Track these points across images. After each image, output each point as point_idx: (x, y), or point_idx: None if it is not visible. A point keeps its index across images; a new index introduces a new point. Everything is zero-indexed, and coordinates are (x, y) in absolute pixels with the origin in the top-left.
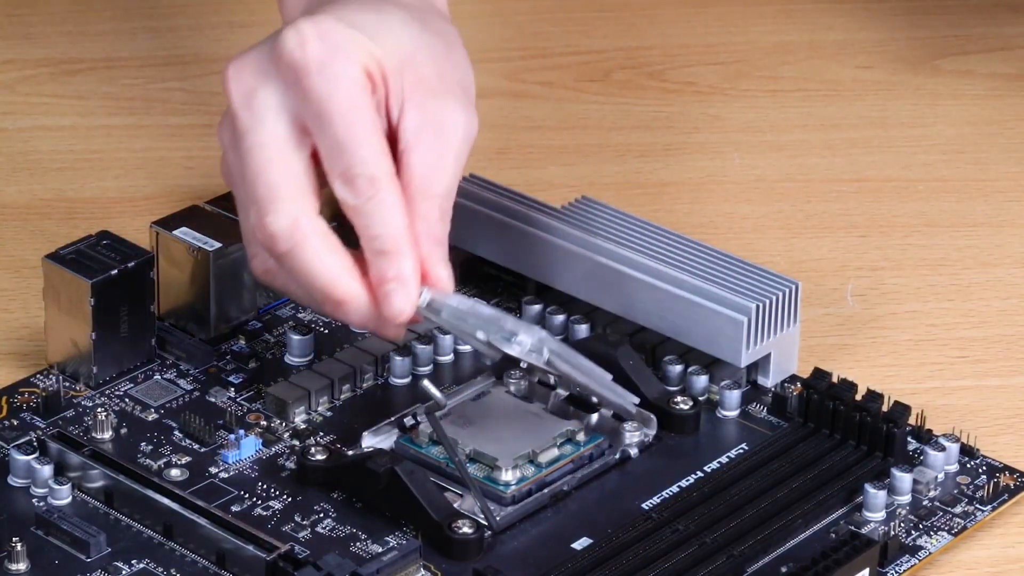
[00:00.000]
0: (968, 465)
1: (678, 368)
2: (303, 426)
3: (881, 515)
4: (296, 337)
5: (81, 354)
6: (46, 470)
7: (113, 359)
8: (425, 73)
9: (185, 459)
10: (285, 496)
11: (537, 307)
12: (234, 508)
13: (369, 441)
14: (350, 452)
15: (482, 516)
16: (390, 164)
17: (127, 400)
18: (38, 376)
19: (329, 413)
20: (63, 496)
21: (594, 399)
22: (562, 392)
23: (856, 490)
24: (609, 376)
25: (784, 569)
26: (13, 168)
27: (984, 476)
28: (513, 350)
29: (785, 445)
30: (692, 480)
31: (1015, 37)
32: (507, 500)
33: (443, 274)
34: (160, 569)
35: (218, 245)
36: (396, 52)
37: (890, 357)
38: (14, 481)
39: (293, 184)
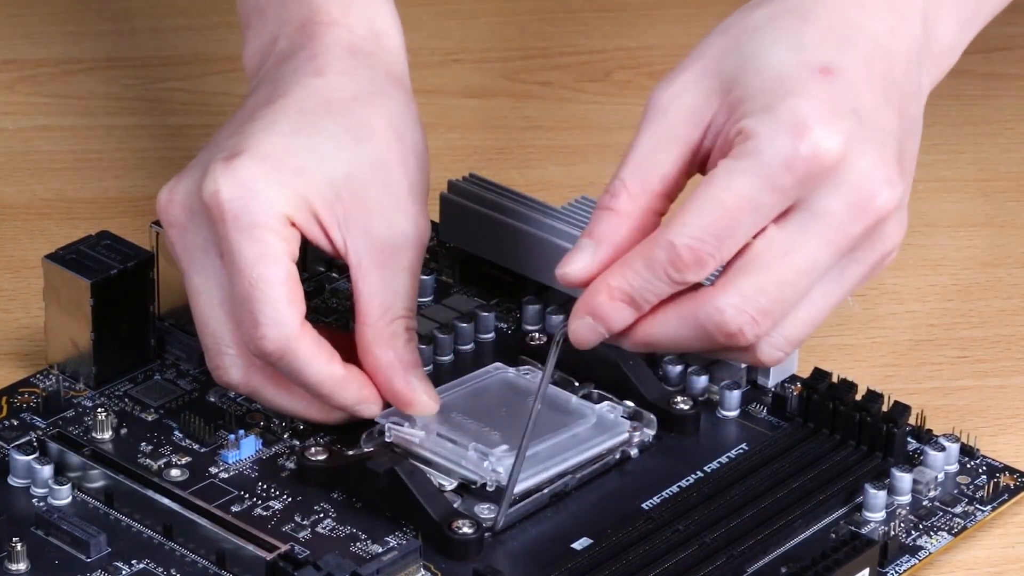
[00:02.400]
0: (968, 465)
1: (678, 368)
2: (303, 426)
3: (881, 515)
4: None
5: (81, 354)
6: (46, 470)
7: (113, 359)
8: (365, 193)
9: (185, 459)
10: (285, 496)
11: (537, 307)
12: (234, 508)
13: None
14: (350, 452)
15: (490, 510)
16: (297, 316)
17: (127, 400)
18: (38, 376)
19: None
20: (63, 496)
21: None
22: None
23: (856, 490)
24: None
25: (784, 569)
26: (13, 168)
27: (984, 476)
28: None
29: (785, 445)
30: (692, 480)
31: (1015, 37)
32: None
33: (424, 399)
34: (160, 569)
35: None
36: (327, 182)
37: (890, 357)
38: (14, 481)
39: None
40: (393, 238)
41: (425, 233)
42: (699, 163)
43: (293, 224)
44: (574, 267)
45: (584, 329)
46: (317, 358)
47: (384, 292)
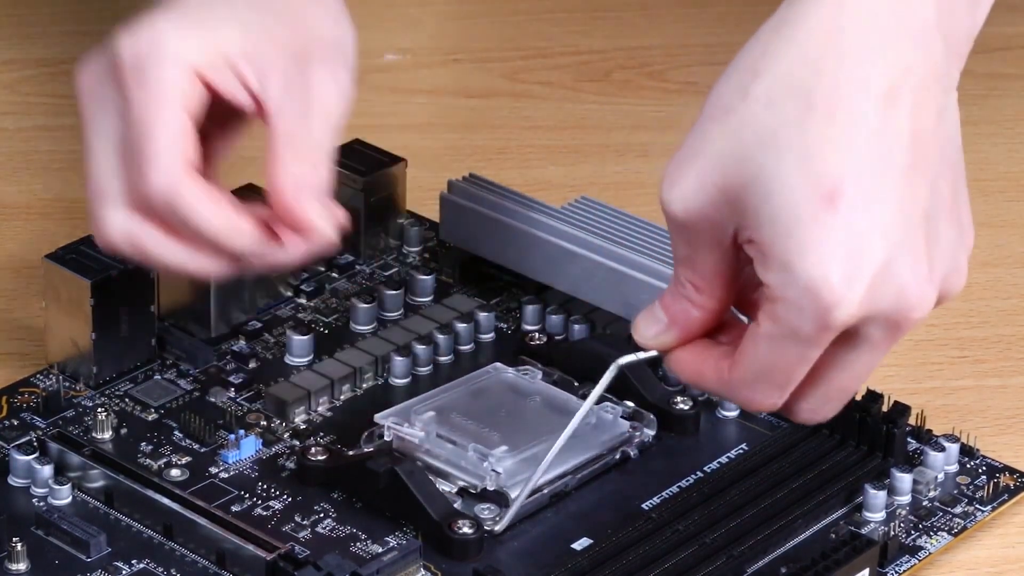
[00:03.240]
0: (968, 465)
1: None
2: (303, 426)
3: (881, 515)
4: (296, 337)
5: (81, 354)
6: (46, 470)
7: (113, 359)
8: (287, 45)
9: (185, 459)
10: (285, 496)
11: (537, 307)
12: (234, 508)
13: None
14: (350, 452)
15: (490, 511)
16: (185, 160)
17: (127, 400)
18: (38, 376)
19: (329, 413)
20: (63, 496)
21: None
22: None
23: (856, 490)
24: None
25: (784, 570)
26: (13, 168)
27: (984, 476)
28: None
29: (785, 445)
30: (692, 480)
31: (1015, 37)
32: (506, 501)
33: (320, 224)
34: (160, 569)
35: None
36: (245, 35)
37: (890, 357)
38: (14, 481)
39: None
40: (310, 83)
41: (346, 89)
42: (737, 248)
43: (205, 80)
44: (648, 335)
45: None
46: (207, 199)
47: (290, 126)
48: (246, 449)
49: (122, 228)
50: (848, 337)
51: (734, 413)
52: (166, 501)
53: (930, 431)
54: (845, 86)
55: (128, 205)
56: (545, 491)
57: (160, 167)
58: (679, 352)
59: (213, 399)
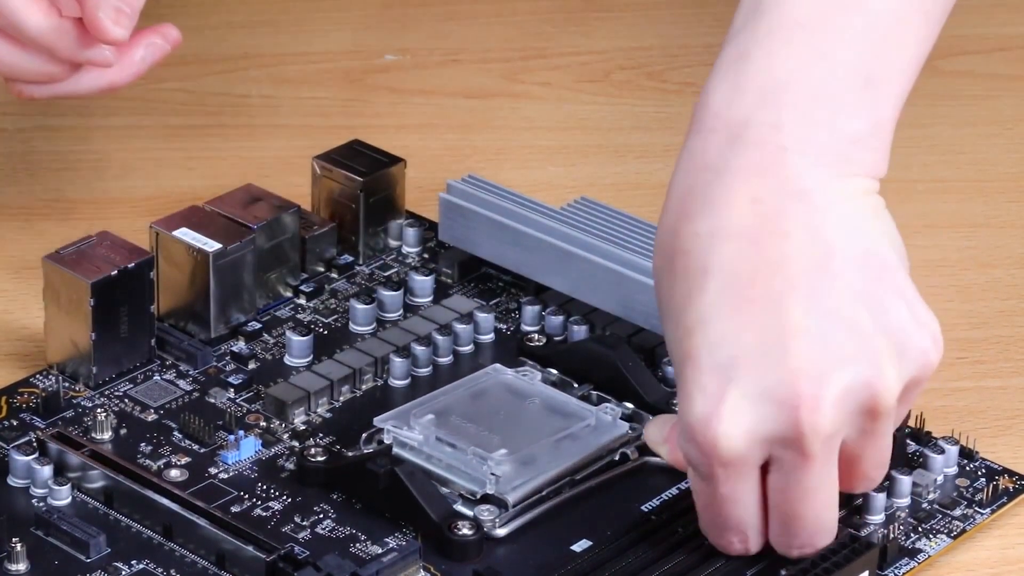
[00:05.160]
0: (967, 468)
1: None
2: (303, 427)
3: (880, 518)
4: (296, 338)
5: (81, 354)
6: (46, 470)
7: (113, 359)
8: None
9: (185, 460)
10: (285, 497)
11: (536, 308)
12: (234, 509)
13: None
14: (350, 453)
15: (489, 512)
16: None
17: (127, 400)
18: (38, 376)
19: (329, 414)
20: (63, 496)
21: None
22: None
23: (856, 494)
24: None
25: (784, 572)
26: (13, 168)
27: (983, 479)
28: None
29: None
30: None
31: (1015, 37)
32: (506, 502)
33: (110, 25)
34: (160, 570)
35: (218, 246)
36: None
37: None
38: (14, 481)
39: None
40: None
41: None
42: None
43: None
44: (650, 434)
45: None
46: (31, 7)
47: None
48: (246, 450)
49: None
50: (769, 465)
51: None
52: (166, 502)
53: (929, 433)
54: (687, 243)
55: None
56: (544, 493)
57: None
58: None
59: (213, 400)
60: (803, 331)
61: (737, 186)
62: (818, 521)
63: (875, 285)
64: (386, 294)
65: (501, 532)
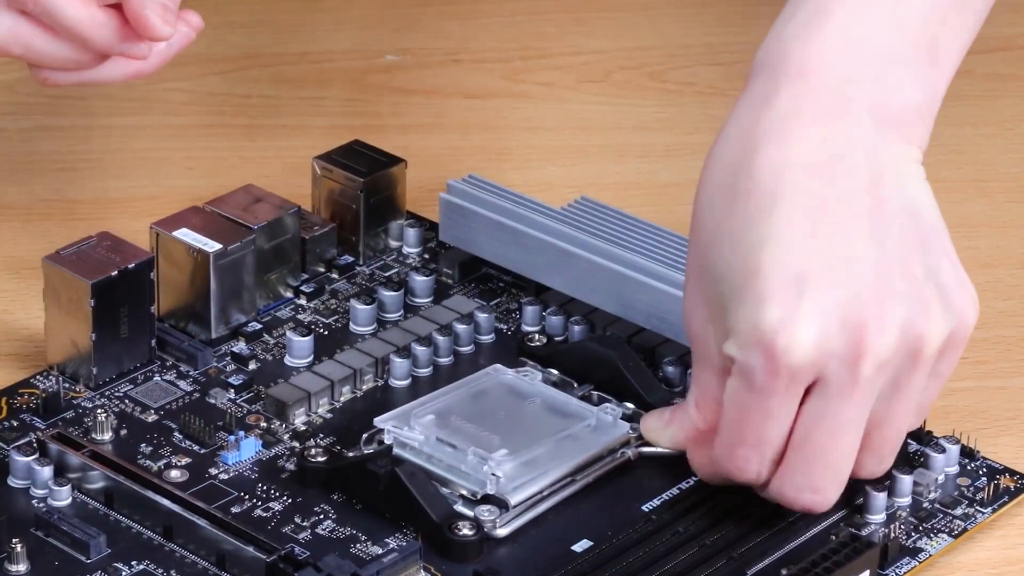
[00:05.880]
0: (968, 467)
1: (678, 369)
2: (303, 427)
3: (881, 517)
4: (296, 339)
5: (81, 355)
6: (46, 471)
7: (113, 360)
8: None
9: (185, 460)
10: (285, 498)
11: (536, 308)
12: (234, 509)
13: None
14: (350, 454)
15: (490, 512)
16: None
17: (127, 401)
18: (38, 377)
19: (329, 415)
20: (63, 497)
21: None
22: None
23: (856, 492)
24: None
25: (784, 571)
26: (13, 168)
27: (984, 478)
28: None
29: None
30: (692, 482)
31: (1015, 37)
32: (507, 503)
33: (158, 23)
34: (160, 570)
35: (218, 246)
36: None
37: None
38: (14, 482)
39: None
40: None
41: None
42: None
43: None
44: (647, 426)
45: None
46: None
47: None
48: (246, 450)
49: (7, 27)
50: (812, 388)
51: None
52: (166, 502)
53: (930, 432)
54: (755, 170)
55: (7, 6)
56: (545, 493)
57: None
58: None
59: (213, 400)
60: (868, 260)
61: (809, 125)
62: (836, 466)
63: (925, 241)
64: (387, 294)
65: (502, 532)
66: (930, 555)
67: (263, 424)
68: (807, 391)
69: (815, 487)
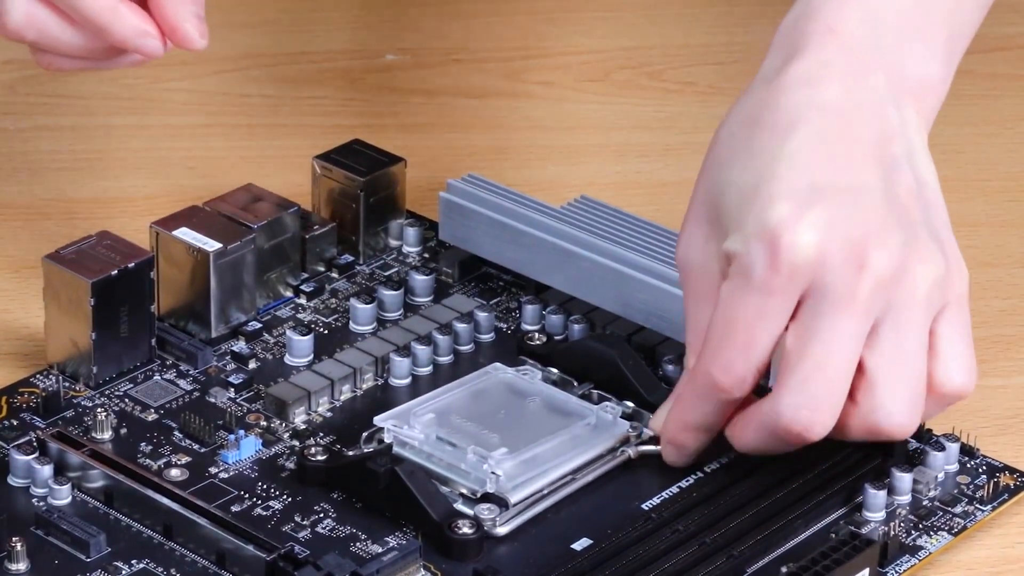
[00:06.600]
0: (968, 465)
1: (678, 367)
2: (303, 426)
3: (881, 515)
4: (296, 338)
5: (81, 354)
6: (46, 470)
7: (113, 359)
8: None
9: (185, 459)
10: (285, 496)
11: (536, 307)
12: (234, 508)
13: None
14: (350, 452)
15: (490, 511)
16: None
17: (127, 400)
18: (38, 376)
19: (329, 414)
20: (63, 496)
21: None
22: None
23: (856, 490)
24: None
25: (784, 569)
26: (13, 168)
27: (984, 476)
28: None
29: None
30: (692, 480)
31: (1015, 37)
32: (507, 502)
33: (190, 30)
34: (160, 569)
35: (218, 245)
36: None
37: None
38: (14, 481)
39: None
40: None
41: None
42: None
43: None
44: (657, 421)
45: (672, 456)
46: None
47: None
48: (246, 449)
49: (24, 11)
50: (810, 295)
51: None
52: (166, 501)
53: (930, 430)
54: (781, 102)
55: None
56: (545, 492)
57: None
58: (671, 410)
59: (213, 399)
60: (877, 192)
61: (834, 75)
62: (833, 385)
63: (926, 208)
64: (386, 293)
65: (501, 531)
66: (930, 553)
67: (263, 423)
68: (799, 307)
69: (812, 405)
